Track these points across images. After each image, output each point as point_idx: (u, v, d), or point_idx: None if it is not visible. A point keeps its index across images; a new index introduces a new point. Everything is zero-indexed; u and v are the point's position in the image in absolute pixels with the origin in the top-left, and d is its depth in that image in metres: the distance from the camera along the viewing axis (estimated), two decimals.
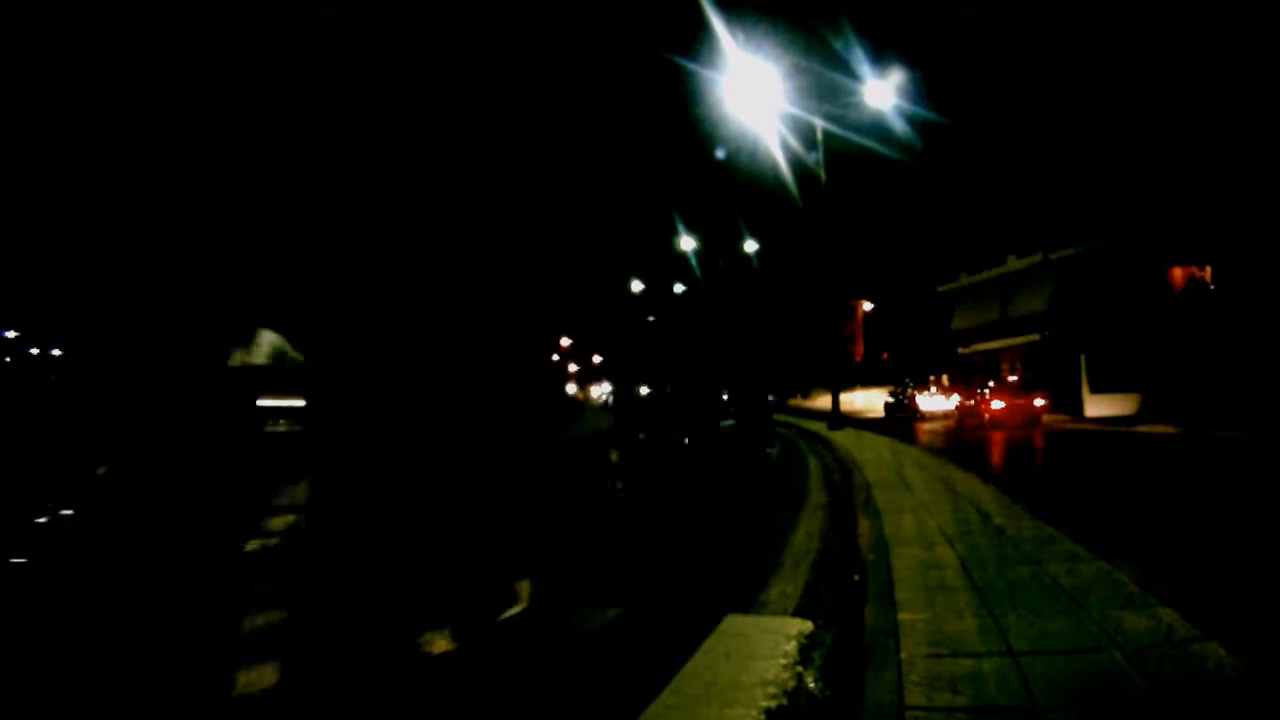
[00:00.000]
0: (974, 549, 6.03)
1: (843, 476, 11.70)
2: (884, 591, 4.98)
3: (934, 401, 33.58)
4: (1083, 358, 26.36)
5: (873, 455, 14.32)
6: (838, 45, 23.78)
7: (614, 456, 11.59)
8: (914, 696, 3.38)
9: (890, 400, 32.54)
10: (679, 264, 52.17)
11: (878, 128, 24.43)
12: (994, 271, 35.99)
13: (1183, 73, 24.09)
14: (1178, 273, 27.92)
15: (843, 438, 19.65)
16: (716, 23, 18.65)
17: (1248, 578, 5.04)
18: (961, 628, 4.21)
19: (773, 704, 3.43)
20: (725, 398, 32.67)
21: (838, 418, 23.69)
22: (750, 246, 47.88)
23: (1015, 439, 18.83)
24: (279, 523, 4.44)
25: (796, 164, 24.49)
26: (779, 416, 32.37)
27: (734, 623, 4.59)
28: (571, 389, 45.33)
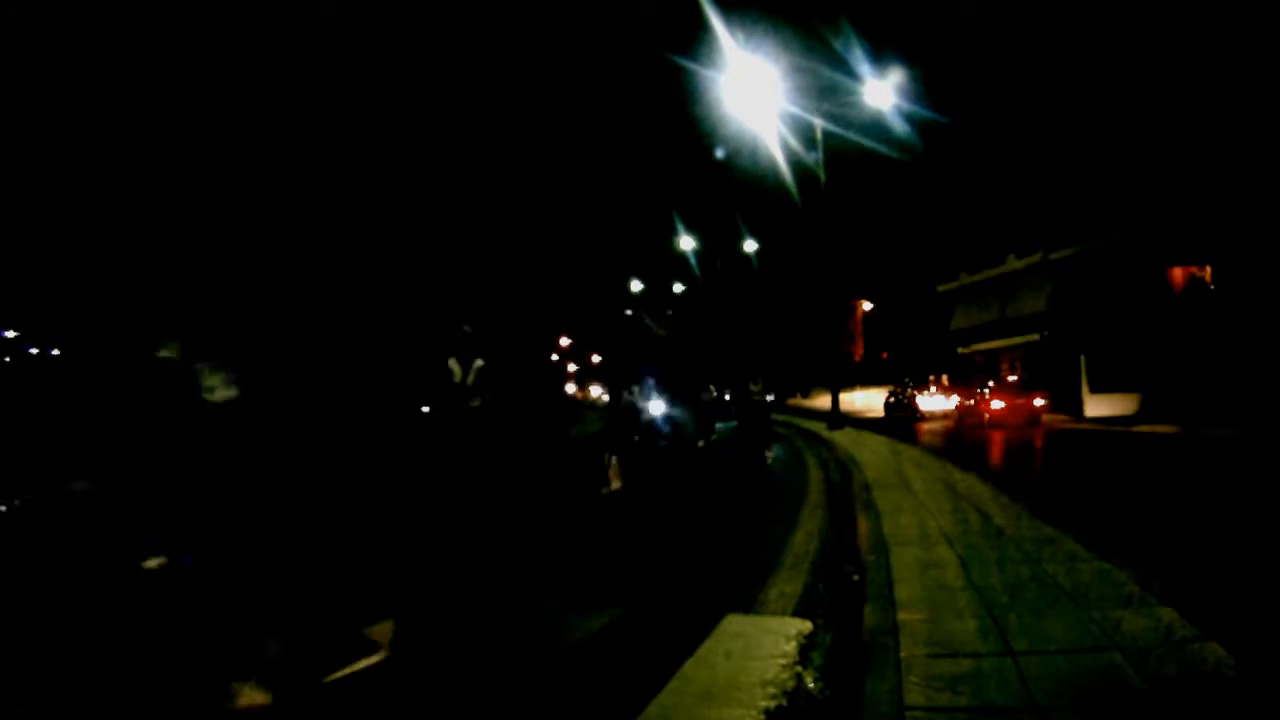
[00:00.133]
0: (973, 549, 6.03)
1: (842, 476, 11.69)
2: (883, 591, 4.97)
3: (934, 401, 33.56)
4: (1082, 358, 26.36)
5: (872, 455, 14.32)
6: (837, 45, 23.79)
7: (609, 459, 11.52)
8: (913, 696, 3.37)
9: (890, 400, 32.52)
10: (678, 263, 52.21)
11: (877, 127, 24.43)
12: (994, 271, 36.00)
13: (1182, 72, 24.10)
14: (1178, 273, 27.92)
15: (842, 437, 19.64)
16: (716, 22, 18.66)
17: (1247, 578, 5.04)
18: (961, 628, 4.20)
19: (772, 704, 3.43)
20: (725, 398, 32.59)
21: (837, 417, 23.69)
22: (750, 246, 47.92)
23: (1015, 439, 18.83)
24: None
25: (796, 163, 24.50)
26: (778, 416, 32.35)
27: (733, 623, 4.59)
28: (571, 389, 45.32)
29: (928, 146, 31.11)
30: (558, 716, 3.67)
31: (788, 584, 5.64)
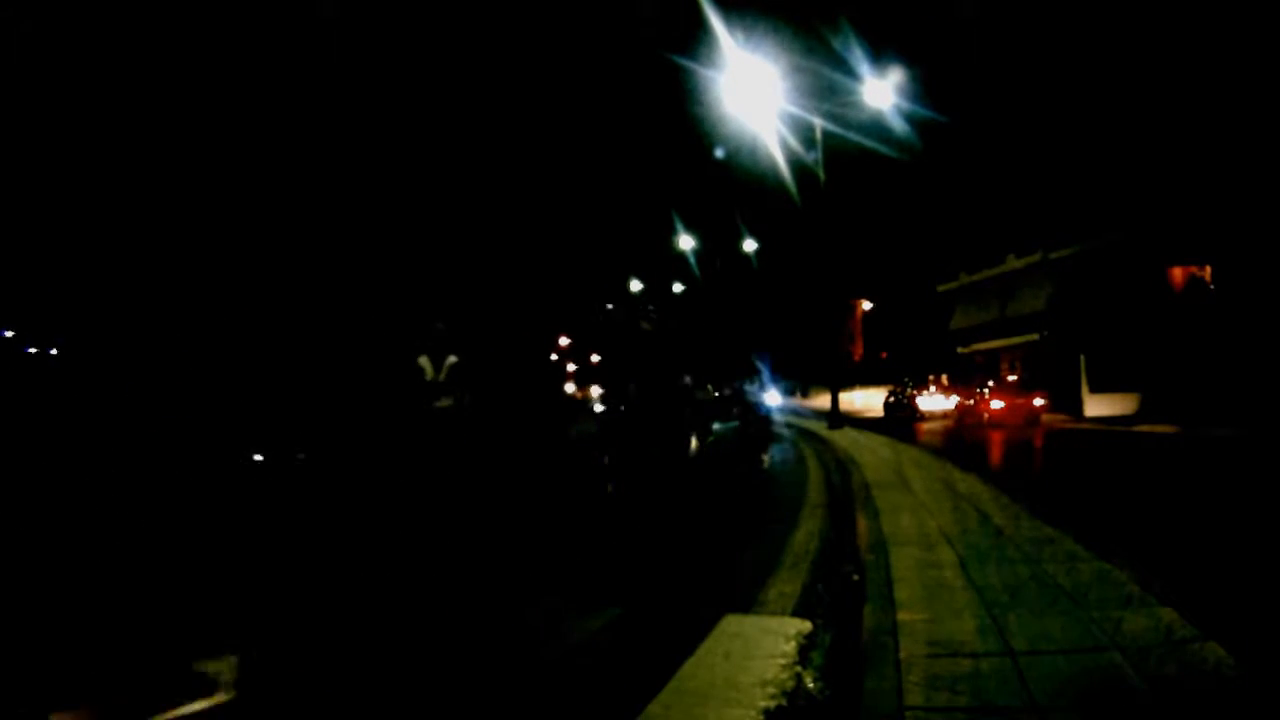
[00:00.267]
0: (973, 549, 6.02)
1: (842, 476, 11.69)
2: (883, 591, 4.97)
3: (933, 401, 33.54)
4: (1082, 357, 26.37)
5: (872, 455, 14.31)
6: (837, 44, 23.79)
7: (606, 459, 11.50)
8: (913, 696, 3.37)
9: (889, 400, 32.51)
10: (678, 263, 52.20)
11: (877, 127, 24.45)
12: (993, 271, 35.99)
13: (1182, 72, 24.09)
14: (1177, 272, 27.91)
15: (842, 437, 19.64)
16: (715, 22, 18.66)
17: (1247, 577, 5.03)
18: (960, 628, 4.20)
19: (771, 704, 3.42)
20: (722, 395, 32.51)
21: (837, 417, 23.69)
22: (749, 246, 47.93)
23: (1015, 439, 18.82)
24: None
25: (796, 163, 24.51)
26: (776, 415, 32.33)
27: (732, 623, 4.58)
28: (570, 388, 45.32)
29: (928, 146, 31.13)
30: (557, 716, 3.67)
31: (787, 584, 5.63)
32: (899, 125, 25.58)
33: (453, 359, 9.07)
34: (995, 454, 15.38)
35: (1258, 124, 21.95)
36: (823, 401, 32.90)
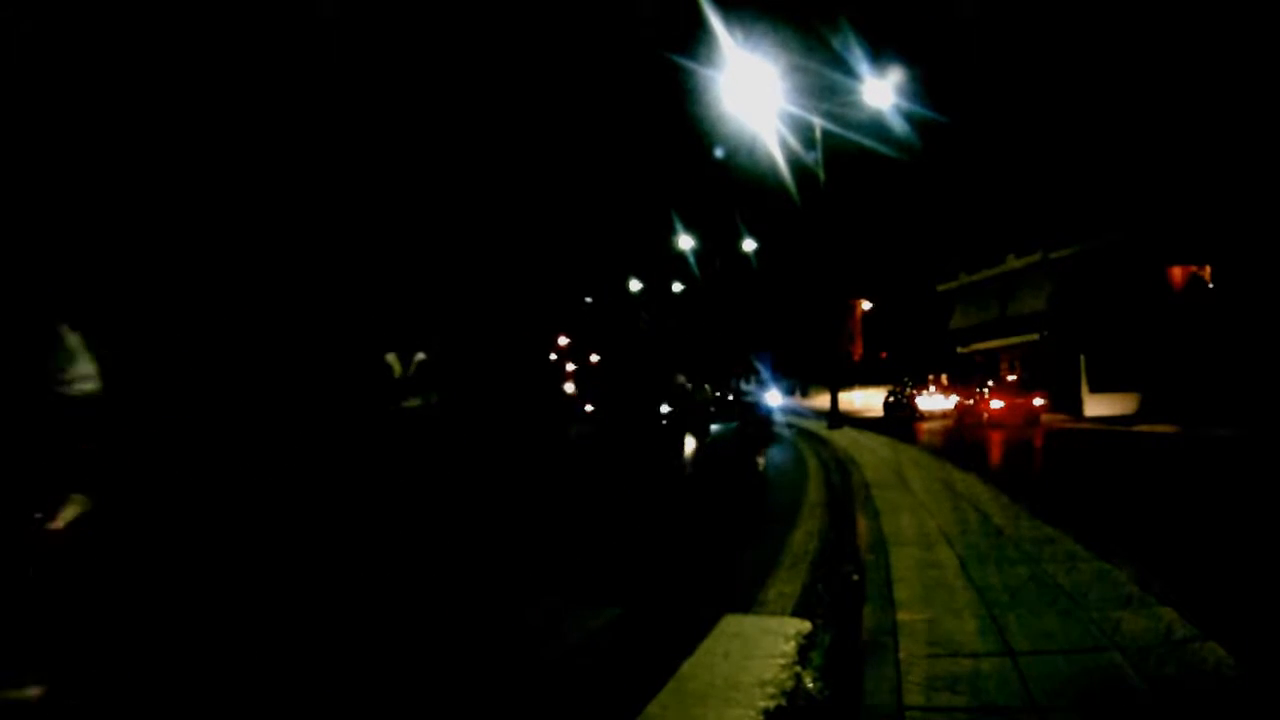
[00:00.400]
0: (973, 549, 6.02)
1: (841, 476, 11.69)
2: (883, 591, 4.96)
3: (933, 401, 33.57)
4: (1082, 357, 26.38)
5: (871, 455, 14.31)
6: (836, 44, 23.79)
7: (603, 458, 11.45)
8: (913, 696, 3.36)
9: (889, 399, 32.54)
10: (678, 263, 52.19)
11: (877, 127, 24.46)
12: (993, 271, 36.00)
13: (1182, 72, 24.09)
14: (1177, 272, 27.92)
15: (841, 437, 19.64)
16: (715, 21, 18.66)
17: (1247, 577, 5.03)
18: (960, 627, 4.19)
19: (771, 704, 3.42)
20: (721, 395, 32.42)
21: (836, 417, 23.70)
22: (749, 245, 47.91)
23: (1014, 438, 18.83)
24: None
25: (795, 163, 24.52)
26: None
27: (732, 623, 4.58)
28: (570, 388, 45.29)
29: (927, 146, 31.14)
30: (557, 717, 3.66)
31: (787, 584, 5.63)
32: (899, 125, 25.61)
33: (421, 356, 8.80)
34: (995, 454, 15.38)
35: (1257, 124, 21.96)
36: (822, 401, 32.91)
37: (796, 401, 46.35)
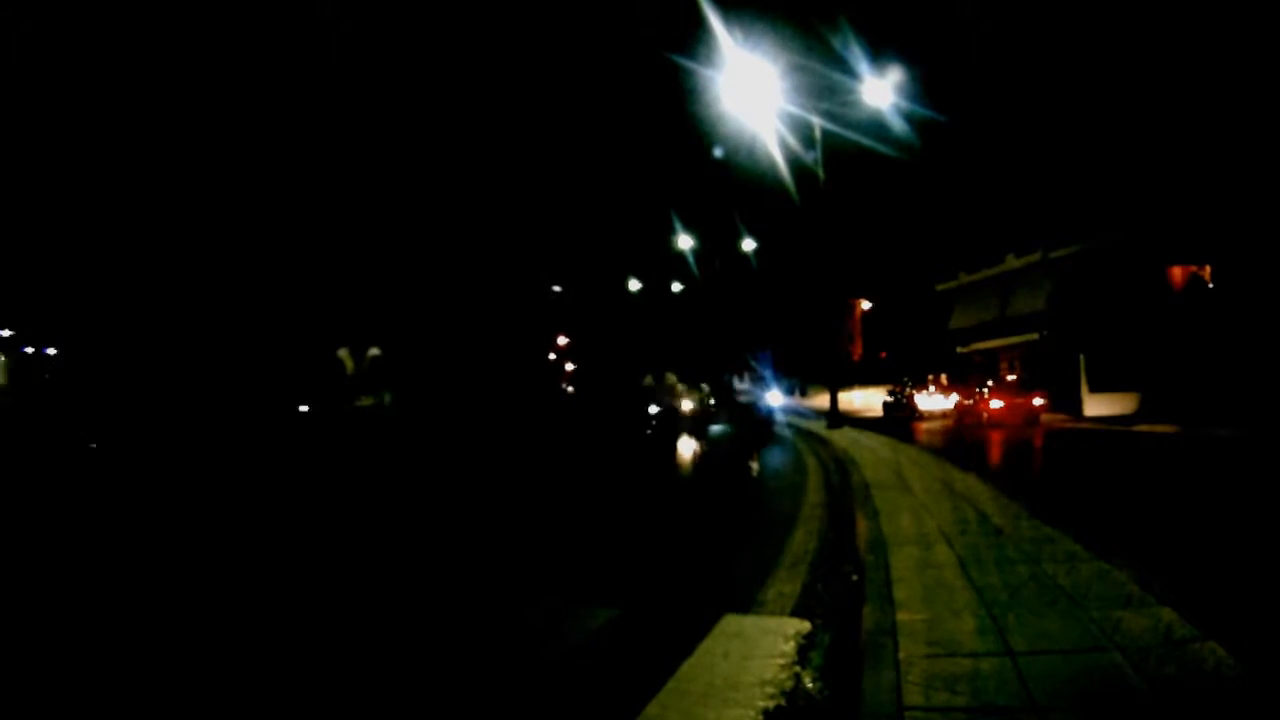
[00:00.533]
0: (972, 549, 6.02)
1: (841, 476, 11.68)
2: (882, 591, 4.96)
3: (932, 401, 33.54)
4: (1082, 357, 26.36)
5: (871, 455, 14.31)
6: (836, 43, 23.79)
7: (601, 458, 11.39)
8: (912, 696, 3.36)
9: (888, 399, 32.51)
10: (677, 263, 52.14)
11: (876, 126, 24.45)
12: (993, 270, 35.97)
13: (1182, 71, 24.09)
14: (1177, 272, 27.90)
15: (840, 437, 19.63)
16: (715, 21, 18.65)
17: (1247, 577, 5.03)
18: (960, 627, 4.19)
19: (771, 704, 3.42)
20: (720, 396, 32.34)
21: (836, 417, 23.69)
22: (748, 245, 47.90)
23: (1014, 438, 18.82)
24: None
25: (795, 162, 24.51)
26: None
27: (732, 623, 4.58)
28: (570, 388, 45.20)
29: (927, 146, 31.13)
30: (557, 716, 3.66)
31: (786, 584, 5.63)
32: (898, 125, 25.61)
33: (375, 351, 8.56)
34: (994, 454, 15.38)
35: (1257, 123, 21.96)
36: (822, 401, 32.90)
37: (796, 401, 46.34)
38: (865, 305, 53.77)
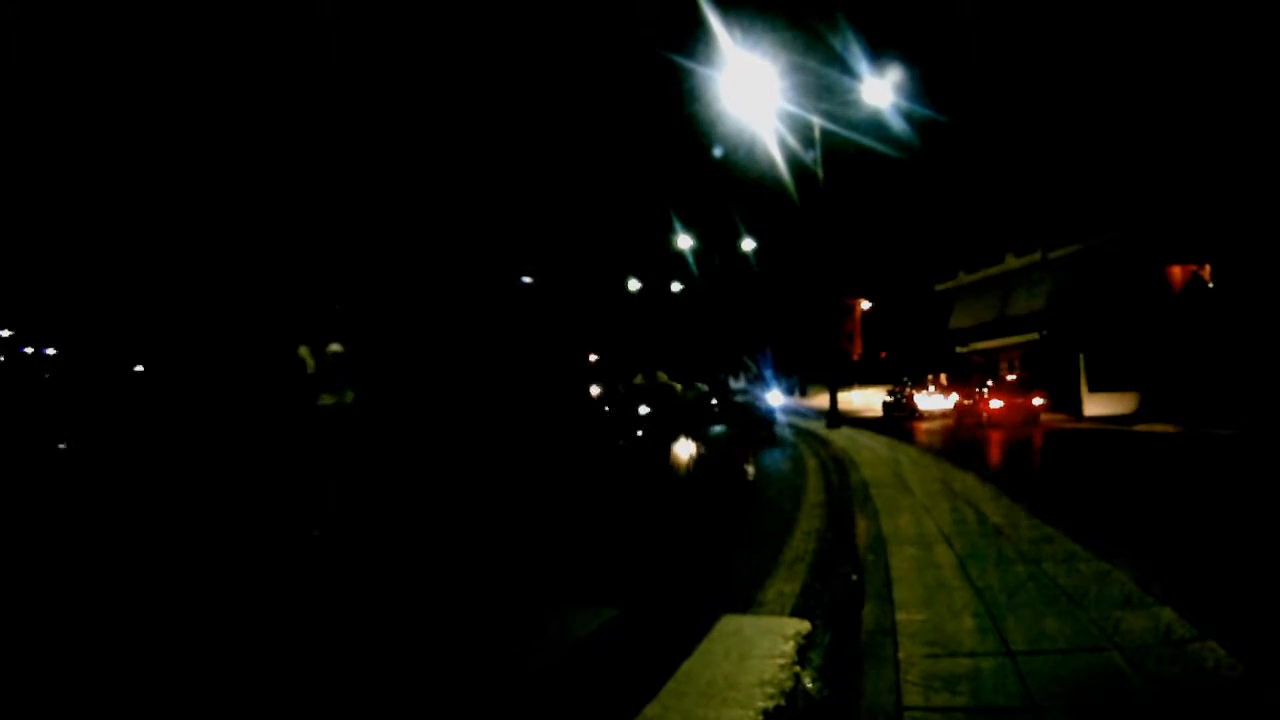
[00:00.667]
0: (972, 549, 6.02)
1: (840, 476, 11.68)
2: (882, 591, 4.96)
3: (932, 400, 33.59)
4: (1081, 356, 26.36)
5: (870, 454, 14.31)
6: (835, 43, 23.80)
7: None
8: (912, 696, 3.36)
9: (888, 399, 32.52)
10: (676, 262, 52.12)
11: (876, 126, 24.47)
12: (992, 270, 35.98)
13: (1182, 71, 24.09)
14: (1176, 271, 27.92)
15: (840, 437, 19.64)
16: (714, 21, 18.65)
17: (1246, 577, 5.03)
18: (959, 627, 4.19)
19: (770, 704, 3.41)
20: (718, 396, 32.21)
21: (835, 416, 23.70)
22: (748, 245, 47.91)
23: (1013, 438, 18.82)
24: None
25: (794, 162, 24.51)
26: None
27: (731, 623, 4.57)
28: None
29: (926, 145, 31.14)
30: (557, 717, 3.66)
31: (786, 584, 5.62)
32: (898, 124, 25.62)
33: (335, 347, 7.95)
34: (994, 453, 15.38)
35: (1257, 123, 21.96)
36: (821, 401, 32.91)
37: (795, 401, 46.36)
38: (865, 305, 53.81)
